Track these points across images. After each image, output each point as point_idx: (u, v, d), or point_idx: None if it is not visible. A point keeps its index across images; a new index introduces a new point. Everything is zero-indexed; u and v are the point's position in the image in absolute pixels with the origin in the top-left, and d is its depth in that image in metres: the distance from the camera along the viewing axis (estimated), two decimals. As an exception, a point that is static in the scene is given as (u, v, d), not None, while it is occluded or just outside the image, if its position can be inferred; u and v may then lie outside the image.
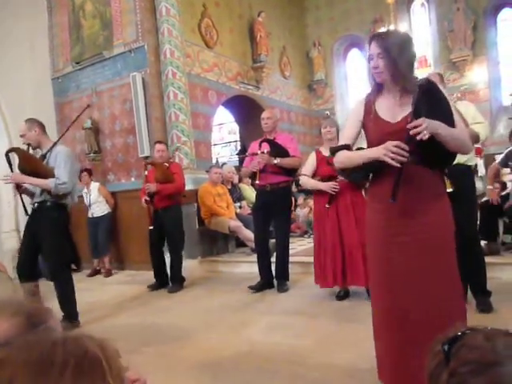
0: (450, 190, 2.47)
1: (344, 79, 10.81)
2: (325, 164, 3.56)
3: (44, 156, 3.46)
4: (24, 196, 3.51)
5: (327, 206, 3.53)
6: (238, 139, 10.75)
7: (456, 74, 8.88)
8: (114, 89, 6.34)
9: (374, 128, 1.81)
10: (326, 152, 3.63)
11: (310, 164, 3.77)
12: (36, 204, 3.46)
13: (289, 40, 9.78)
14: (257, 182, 4.09)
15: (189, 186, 5.80)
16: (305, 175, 3.76)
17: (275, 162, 3.97)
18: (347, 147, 1.89)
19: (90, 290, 4.90)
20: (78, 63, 6.66)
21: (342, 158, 1.88)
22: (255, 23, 8.31)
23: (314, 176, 3.74)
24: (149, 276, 5.17)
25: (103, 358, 0.51)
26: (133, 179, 6.15)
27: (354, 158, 1.82)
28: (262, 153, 3.98)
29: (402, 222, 1.74)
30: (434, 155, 1.70)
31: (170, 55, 5.93)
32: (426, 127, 1.57)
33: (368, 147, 1.86)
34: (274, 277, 4.22)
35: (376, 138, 1.77)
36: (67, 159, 3.44)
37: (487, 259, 3.15)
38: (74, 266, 6.36)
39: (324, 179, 3.60)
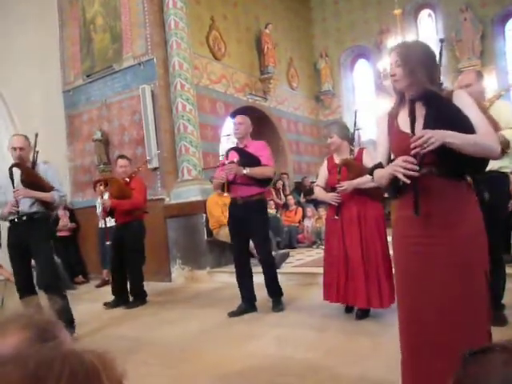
0: None
1: (351, 90, 10.84)
2: (335, 172, 3.43)
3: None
4: None
5: (336, 217, 3.40)
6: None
7: (464, 84, 8.83)
8: (123, 101, 6.42)
9: (396, 142, 1.79)
10: (337, 159, 3.51)
11: (322, 173, 3.63)
12: (24, 217, 3.38)
13: (296, 51, 9.85)
14: (225, 194, 3.79)
15: (197, 197, 5.81)
16: (318, 186, 3.62)
17: (244, 172, 3.63)
18: (380, 166, 1.87)
19: (95, 301, 4.86)
20: (88, 76, 6.77)
21: (375, 179, 1.89)
22: (262, 35, 8.40)
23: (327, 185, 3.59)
24: (155, 287, 5.17)
25: (102, 369, 0.51)
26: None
27: (381, 176, 1.81)
28: (232, 162, 3.65)
29: (426, 232, 1.68)
30: (458, 164, 1.65)
31: (178, 67, 5.99)
32: (430, 138, 1.53)
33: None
34: (265, 296, 3.91)
35: (399, 151, 1.73)
36: (57, 174, 3.70)
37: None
38: (82, 278, 6.38)
39: (333, 189, 3.47)
